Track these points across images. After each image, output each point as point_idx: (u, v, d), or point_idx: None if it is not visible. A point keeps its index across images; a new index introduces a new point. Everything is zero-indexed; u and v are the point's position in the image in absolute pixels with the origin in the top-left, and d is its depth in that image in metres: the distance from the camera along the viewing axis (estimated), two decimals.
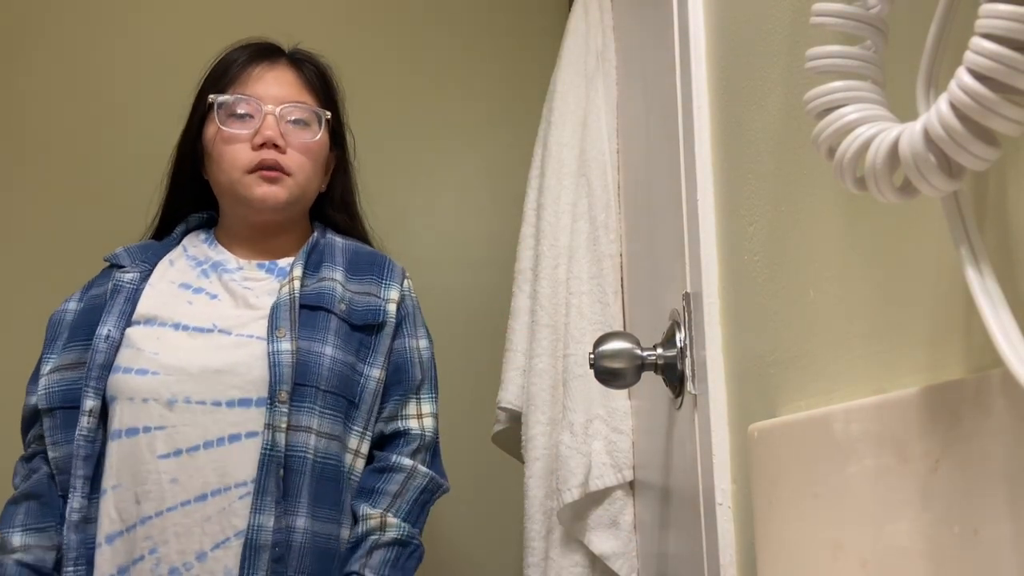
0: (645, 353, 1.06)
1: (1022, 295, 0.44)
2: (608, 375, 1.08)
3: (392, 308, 1.38)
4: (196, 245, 1.41)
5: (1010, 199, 0.46)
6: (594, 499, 1.37)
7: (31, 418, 1.33)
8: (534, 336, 1.50)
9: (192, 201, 1.46)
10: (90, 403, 1.25)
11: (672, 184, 1.07)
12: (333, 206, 1.48)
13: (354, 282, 1.38)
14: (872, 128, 0.46)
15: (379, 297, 1.38)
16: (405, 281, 1.43)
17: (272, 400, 1.23)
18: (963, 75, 0.39)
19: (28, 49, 2.02)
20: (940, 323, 0.53)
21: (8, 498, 1.30)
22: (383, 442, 1.36)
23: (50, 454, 1.28)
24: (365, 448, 1.33)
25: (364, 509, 1.29)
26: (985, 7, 0.38)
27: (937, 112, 0.41)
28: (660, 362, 1.06)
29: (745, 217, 0.86)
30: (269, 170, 1.34)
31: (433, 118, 2.07)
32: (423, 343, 1.42)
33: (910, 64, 0.47)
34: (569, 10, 1.69)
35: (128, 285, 1.33)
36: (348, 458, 1.31)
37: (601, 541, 1.36)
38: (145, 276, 1.35)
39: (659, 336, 1.10)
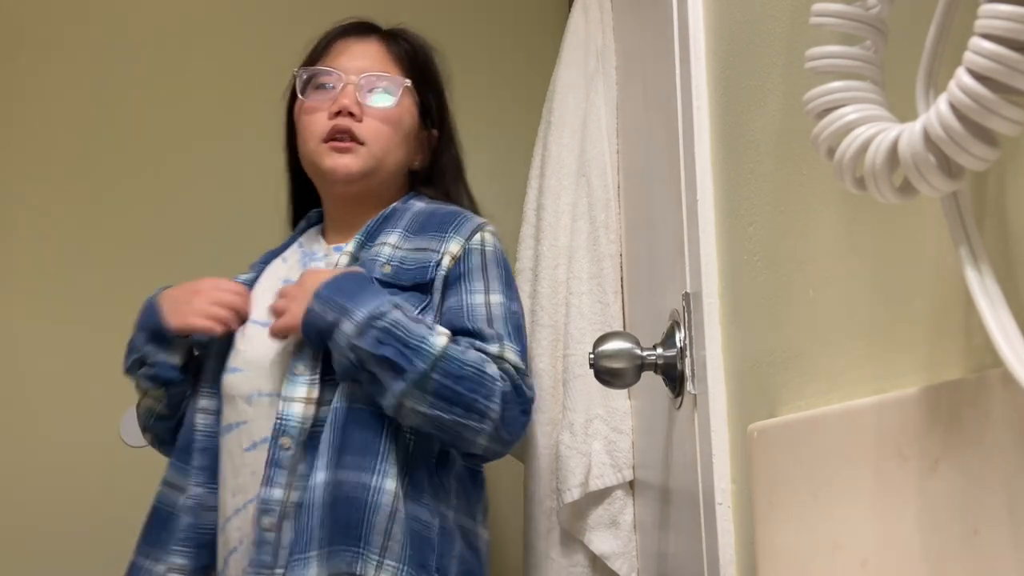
0: (645, 353, 1.06)
1: (1022, 295, 0.44)
2: (608, 375, 1.08)
3: (447, 262, 1.25)
4: (309, 237, 1.41)
5: (1010, 199, 0.46)
6: (594, 499, 1.37)
7: None
8: (534, 336, 1.50)
9: (310, 195, 1.44)
10: (203, 402, 1.30)
11: (672, 184, 1.07)
12: (428, 184, 1.41)
13: (412, 240, 1.28)
14: (871, 128, 0.46)
15: (436, 252, 1.26)
16: (477, 235, 1.29)
17: (290, 372, 1.21)
18: (962, 75, 0.39)
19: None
20: (940, 323, 0.53)
21: None
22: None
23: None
24: None
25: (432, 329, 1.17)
26: (985, 7, 0.38)
27: (936, 112, 0.41)
28: (660, 362, 1.06)
29: (745, 217, 0.86)
30: (340, 139, 1.30)
31: None
32: (495, 298, 1.25)
33: (910, 64, 0.47)
34: (569, 10, 1.69)
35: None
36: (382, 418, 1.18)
37: (601, 541, 1.36)
38: (257, 277, 1.38)
39: (659, 336, 1.10)
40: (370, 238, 1.31)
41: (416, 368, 1.13)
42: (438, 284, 1.24)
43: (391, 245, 1.27)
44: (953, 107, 0.40)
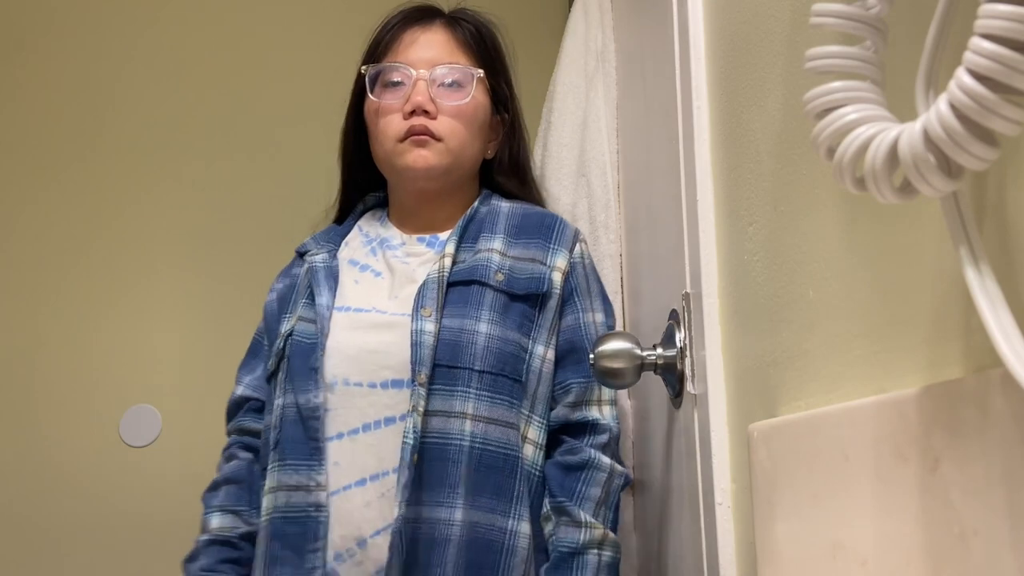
0: (645, 353, 1.06)
1: (1022, 295, 0.44)
2: (608, 375, 1.08)
3: (558, 278, 1.26)
4: (371, 224, 1.38)
5: (1010, 199, 0.46)
6: None
7: (236, 407, 1.34)
8: None
9: (368, 181, 1.41)
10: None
11: (672, 184, 1.07)
12: (502, 172, 1.39)
13: (517, 247, 1.28)
14: (871, 128, 0.46)
15: (544, 264, 1.27)
16: (577, 246, 1.31)
17: (414, 383, 1.17)
18: (962, 75, 0.39)
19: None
20: (940, 323, 0.53)
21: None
22: (569, 429, 1.24)
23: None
24: (536, 435, 1.22)
25: (579, 514, 1.18)
26: (984, 7, 0.38)
27: (936, 112, 0.41)
28: (660, 362, 1.06)
29: (745, 217, 0.86)
30: (418, 136, 1.29)
31: None
32: (599, 316, 1.28)
33: (910, 64, 0.47)
34: (569, 10, 1.69)
35: (323, 264, 1.31)
36: (519, 444, 1.20)
37: None
38: (333, 256, 1.33)
39: (659, 336, 1.10)
40: (470, 240, 1.29)
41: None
42: (555, 304, 1.26)
43: (499, 252, 1.27)
44: (953, 107, 0.40)
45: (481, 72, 1.33)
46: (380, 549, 1.14)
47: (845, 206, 0.65)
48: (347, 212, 1.41)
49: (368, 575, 1.15)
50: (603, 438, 1.23)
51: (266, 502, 1.22)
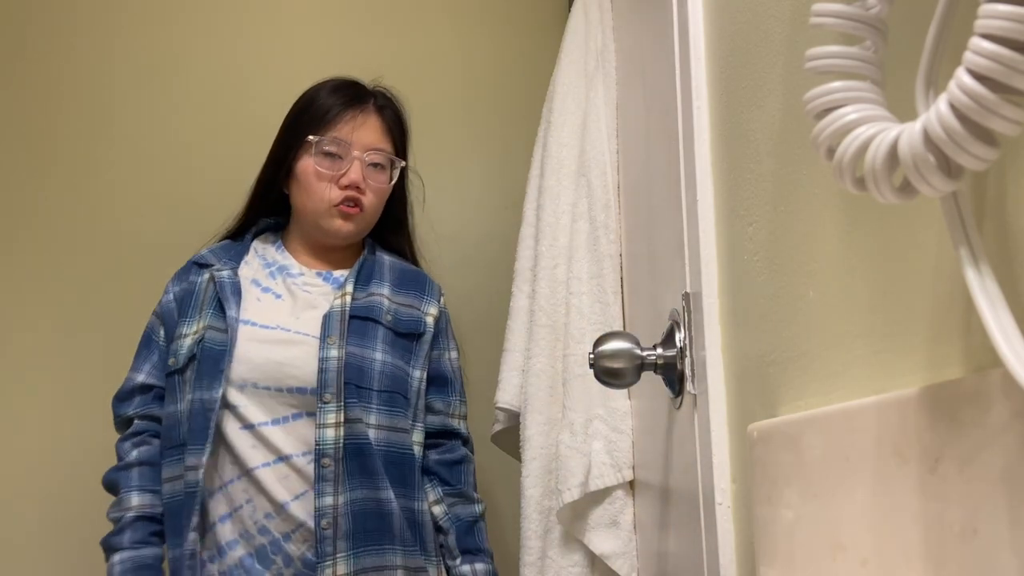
0: (645, 353, 1.06)
1: (1022, 295, 0.44)
2: (608, 375, 1.08)
3: (431, 321, 1.63)
4: (265, 247, 1.65)
5: (1010, 199, 0.46)
6: (594, 499, 1.37)
7: (138, 391, 1.56)
8: (532, 336, 1.50)
9: (271, 207, 1.68)
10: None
11: (672, 184, 1.07)
12: (388, 227, 1.70)
13: (399, 295, 1.61)
14: (871, 128, 0.46)
15: (420, 310, 1.62)
16: (441, 299, 1.68)
17: (319, 400, 1.46)
18: (962, 75, 0.39)
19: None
20: (940, 323, 0.53)
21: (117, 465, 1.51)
22: (443, 434, 1.61)
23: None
24: (419, 438, 1.57)
25: (473, 495, 1.62)
26: (984, 7, 0.38)
27: (936, 112, 0.41)
28: (660, 362, 1.06)
29: (745, 217, 0.86)
30: (350, 206, 1.58)
31: (433, 118, 2.07)
32: (454, 354, 1.67)
33: (910, 64, 0.47)
34: (569, 10, 1.69)
35: (229, 280, 1.55)
36: (412, 444, 1.55)
37: (601, 541, 1.37)
38: (235, 273, 1.57)
39: (659, 336, 1.10)
40: (363, 282, 1.60)
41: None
42: (428, 339, 1.62)
43: (387, 298, 1.60)
44: (953, 107, 0.40)
45: (404, 163, 1.66)
46: (298, 509, 1.44)
47: (845, 206, 0.65)
48: (246, 230, 1.67)
49: (291, 528, 1.44)
50: (462, 440, 1.62)
51: (171, 486, 1.47)
